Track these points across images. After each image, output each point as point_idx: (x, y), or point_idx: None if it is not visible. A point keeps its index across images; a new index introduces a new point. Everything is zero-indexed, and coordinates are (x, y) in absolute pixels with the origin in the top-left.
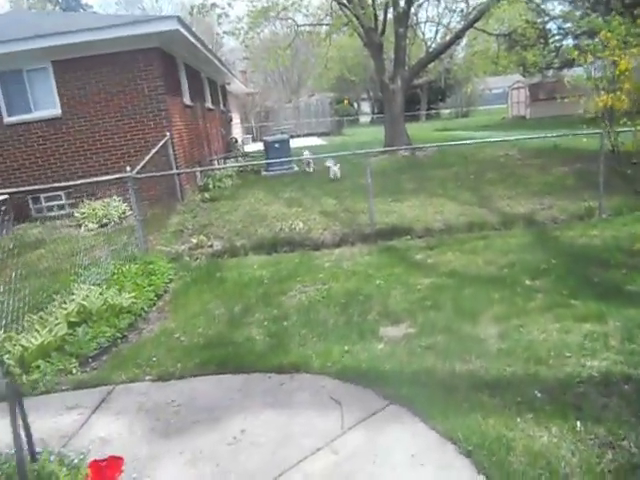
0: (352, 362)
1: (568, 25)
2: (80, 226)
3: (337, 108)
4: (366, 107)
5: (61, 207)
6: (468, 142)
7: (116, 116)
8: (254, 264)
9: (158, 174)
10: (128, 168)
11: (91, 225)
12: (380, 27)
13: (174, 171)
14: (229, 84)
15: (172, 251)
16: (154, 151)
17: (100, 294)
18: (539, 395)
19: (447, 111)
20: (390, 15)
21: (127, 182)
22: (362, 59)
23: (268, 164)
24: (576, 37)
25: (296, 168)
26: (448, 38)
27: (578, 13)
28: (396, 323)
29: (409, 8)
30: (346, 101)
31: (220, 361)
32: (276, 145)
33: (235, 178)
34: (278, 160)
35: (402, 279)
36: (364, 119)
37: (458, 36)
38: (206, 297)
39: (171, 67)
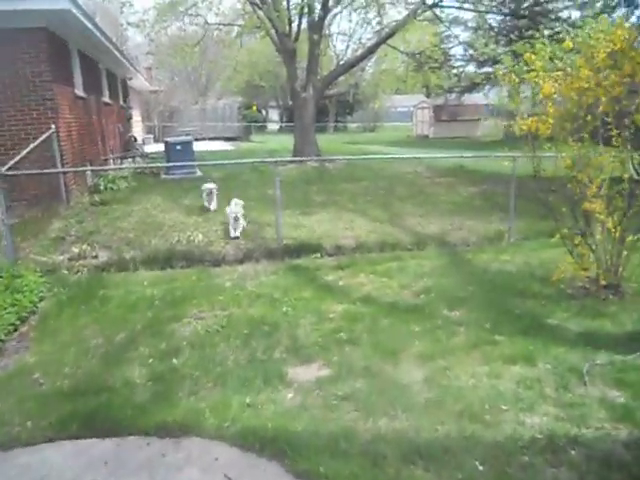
0: (255, 420)
1: (471, 52)
2: None
3: (246, 113)
4: (274, 115)
5: None
6: (380, 157)
7: None
8: (144, 281)
9: (33, 172)
10: None
11: None
12: (294, 33)
13: (54, 170)
14: (131, 79)
15: (49, 262)
16: (32, 146)
17: None
18: (480, 468)
19: (354, 125)
20: (304, 24)
21: None
22: (273, 66)
23: (168, 167)
24: (480, 64)
25: (199, 173)
26: (360, 52)
27: (483, 41)
28: (307, 362)
29: (325, 15)
30: (254, 107)
31: (87, 417)
32: (178, 147)
33: (131, 180)
34: (180, 163)
35: (312, 305)
36: (272, 127)
37: (371, 51)
38: (82, 321)
39: (62, 52)
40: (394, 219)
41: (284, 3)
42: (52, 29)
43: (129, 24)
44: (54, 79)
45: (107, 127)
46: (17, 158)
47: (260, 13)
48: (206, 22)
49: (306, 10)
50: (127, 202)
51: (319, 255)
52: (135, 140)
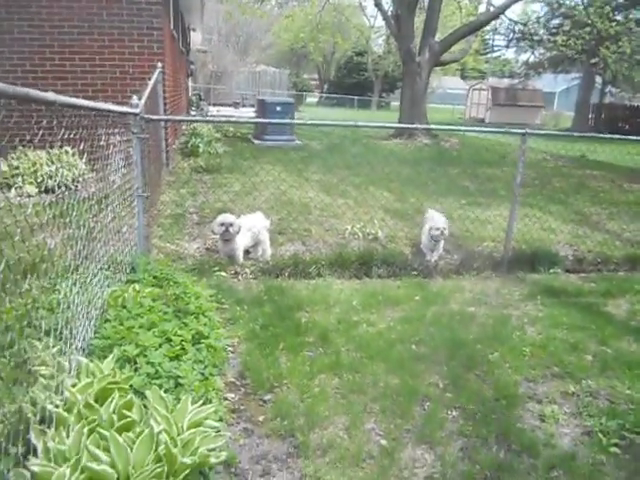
0: None
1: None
2: (10, 187)
3: (296, 81)
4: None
5: None
6: (520, 132)
7: (81, 26)
8: (352, 299)
9: (185, 119)
10: (135, 99)
11: (29, 188)
12: None
13: (200, 119)
14: (194, 30)
15: (182, 253)
16: (152, 83)
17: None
18: None
19: (397, 103)
20: None
21: (129, 124)
22: (316, 34)
23: (263, 132)
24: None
25: (298, 141)
26: (492, 10)
27: None
28: None
29: None
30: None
31: None
32: (277, 108)
33: (224, 144)
34: (279, 121)
35: None
36: (310, 99)
37: (506, 7)
38: (317, 383)
39: None
40: (588, 221)
41: None
42: None
43: None
44: (162, 2)
45: (181, 80)
46: (145, 96)
47: None
48: None
49: None
50: (238, 171)
51: (557, 269)
52: (201, 98)
